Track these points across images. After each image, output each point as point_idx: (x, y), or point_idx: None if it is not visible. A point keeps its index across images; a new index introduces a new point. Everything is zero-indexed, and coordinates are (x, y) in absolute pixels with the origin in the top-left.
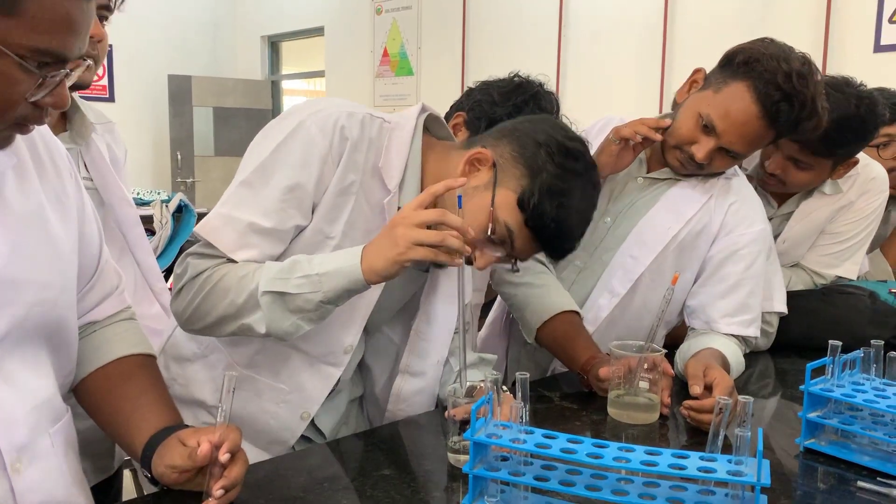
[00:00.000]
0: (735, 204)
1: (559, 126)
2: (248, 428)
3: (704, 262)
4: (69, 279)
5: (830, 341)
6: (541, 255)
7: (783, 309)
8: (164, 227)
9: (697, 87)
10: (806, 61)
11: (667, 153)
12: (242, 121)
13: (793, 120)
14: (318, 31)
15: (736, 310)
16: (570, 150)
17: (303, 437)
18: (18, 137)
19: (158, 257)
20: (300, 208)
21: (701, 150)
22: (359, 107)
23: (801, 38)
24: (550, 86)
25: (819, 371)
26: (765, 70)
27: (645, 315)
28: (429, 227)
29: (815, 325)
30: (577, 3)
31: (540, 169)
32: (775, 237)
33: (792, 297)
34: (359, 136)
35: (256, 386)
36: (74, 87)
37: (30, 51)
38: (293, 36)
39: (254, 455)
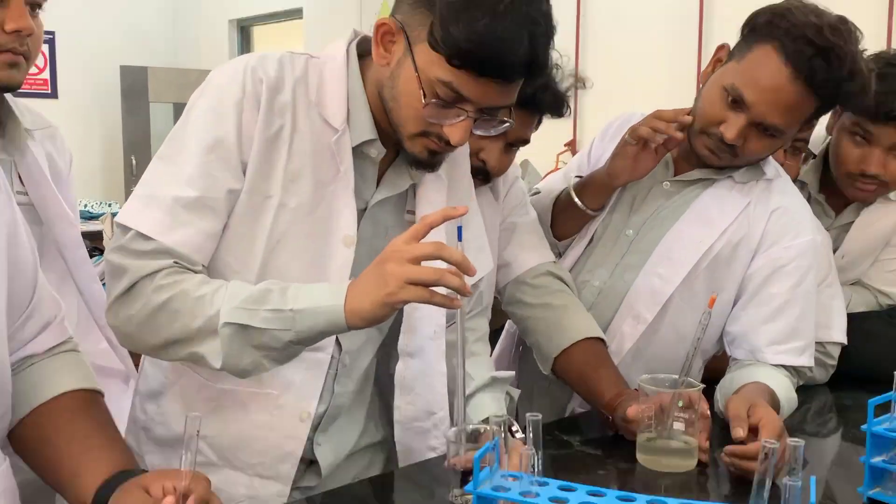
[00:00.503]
0: (778, 211)
1: None
2: (245, 453)
3: (745, 280)
4: None
5: None
6: (558, 269)
7: (842, 339)
8: None
9: (722, 65)
10: (842, 19)
11: (694, 141)
12: None
13: (833, 80)
14: (295, 14)
15: (784, 336)
16: None
17: (297, 488)
18: None
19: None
20: (228, 168)
21: (731, 128)
22: (277, 52)
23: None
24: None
25: (885, 408)
26: (792, 26)
27: (677, 344)
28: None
29: (880, 353)
30: None
31: None
32: (833, 252)
33: (853, 319)
34: (277, 76)
35: (240, 399)
36: (3, 89)
37: None
38: (267, 19)
39: (264, 491)
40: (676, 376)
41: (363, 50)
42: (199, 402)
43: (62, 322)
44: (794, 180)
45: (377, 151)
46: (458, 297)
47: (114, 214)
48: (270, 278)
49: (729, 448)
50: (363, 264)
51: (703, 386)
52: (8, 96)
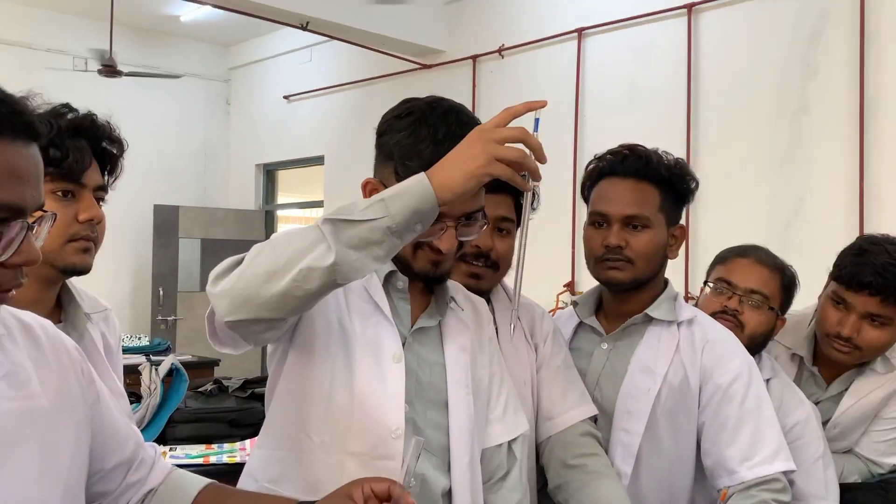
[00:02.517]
0: (707, 346)
1: (383, 115)
2: None
3: (701, 415)
4: (69, 490)
5: None
6: (595, 428)
7: None
8: (152, 394)
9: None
10: None
11: (597, 274)
12: (232, 252)
13: (643, 164)
14: (317, 160)
15: (749, 451)
16: (398, 115)
17: None
18: (18, 339)
19: (145, 429)
20: None
21: (611, 237)
22: None
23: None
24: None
25: None
26: (600, 161)
27: (659, 491)
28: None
29: None
30: (591, 95)
31: (391, 149)
32: (825, 423)
33: (846, 490)
34: None
35: None
36: (76, 272)
37: None
38: (291, 165)
39: None
40: None
41: None
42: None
43: (160, 457)
44: (764, 336)
45: (402, 282)
46: (530, 183)
47: (151, 363)
48: (338, 394)
49: None
50: (412, 391)
51: None
52: (70, 284)
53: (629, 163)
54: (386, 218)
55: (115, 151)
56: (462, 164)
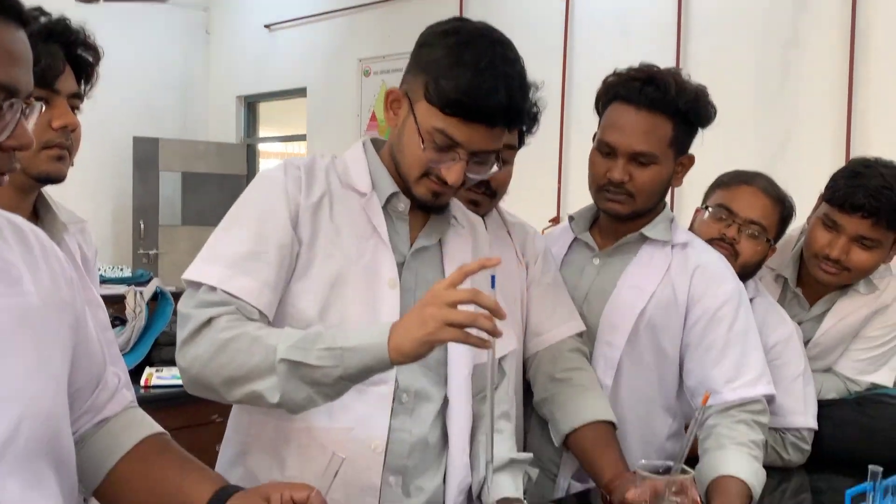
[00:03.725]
0: (698, 269)
1: (429, 26)
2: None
3: (686, 336)
4: (60, 386)
5: (870, 466)
6: (583, 344)
7: (814, 425)
8: (137, 317)
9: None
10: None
11: (599, 202)
12: (214, 186)
13: (665, 96)
14: (299, 93)
15: (734, 372)
16: (445, 31)
17: None
18: (9, 238)
19: (130, 351)
20: (276, 228)
21: (615, 171)
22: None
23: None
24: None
25: (861, 496)
26: (620, 78)
27: (638, 405)
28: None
29: (853, 440)
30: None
31: (427, 63)
32: (806, 342)
33: (824, 406)
34: (310, 165)
35: (316, 437)
36: (50, 181)
37: None
38: (272, 97)
39: None
40: (672, 462)
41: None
42: (283, 447)
43: (124, 388)
44: (756, 265)
45: (404, 204)
46: (490, 339)
47: (135, 284)
48: (331, 322)
49: None
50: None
51: (693, 473)
52: (46, 193)
53: (647, 93)
54: (339, 368)
55: (90, 59)
56: (414, 330)
